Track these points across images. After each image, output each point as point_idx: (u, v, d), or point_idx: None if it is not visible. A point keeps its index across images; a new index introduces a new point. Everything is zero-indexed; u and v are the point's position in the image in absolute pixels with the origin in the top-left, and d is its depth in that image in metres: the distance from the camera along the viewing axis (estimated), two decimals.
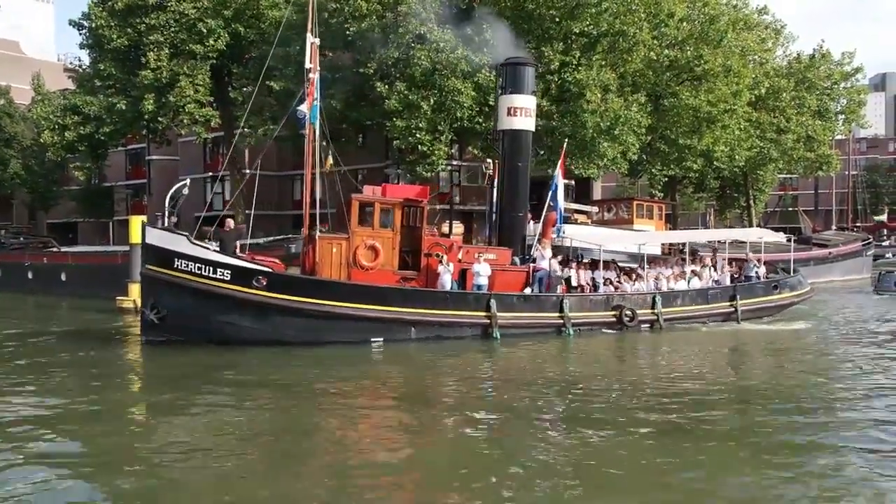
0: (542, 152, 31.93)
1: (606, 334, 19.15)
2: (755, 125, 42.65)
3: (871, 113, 74.19)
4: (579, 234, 24.51)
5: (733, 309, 21.47)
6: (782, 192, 76.77)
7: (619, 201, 36.05)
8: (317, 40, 18.87)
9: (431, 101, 28.95)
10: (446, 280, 18.40)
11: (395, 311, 17.30)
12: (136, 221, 18.75)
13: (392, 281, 18.16)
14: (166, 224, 16.81)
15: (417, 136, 29.25)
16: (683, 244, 27.85)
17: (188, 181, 17.95)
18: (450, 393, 12.73)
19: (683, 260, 23.79)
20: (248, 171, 39.21)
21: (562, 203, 22.24)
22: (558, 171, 22.22)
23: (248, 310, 16.57)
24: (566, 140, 25.74)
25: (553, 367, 15.37)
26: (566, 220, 30.18)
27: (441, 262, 18.38)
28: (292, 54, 31.46)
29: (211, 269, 16.47)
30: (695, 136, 37.07)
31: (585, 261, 22.78)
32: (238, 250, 17.91)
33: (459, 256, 19.27)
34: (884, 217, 77.54)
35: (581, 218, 32.01)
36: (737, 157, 40.42)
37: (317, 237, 17.93)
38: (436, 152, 30.42)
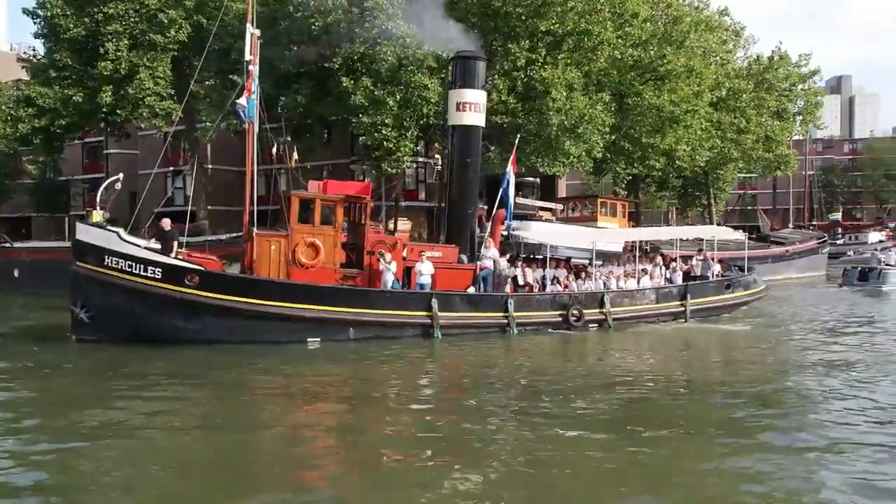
0: (509, 151, 30.77)
1: (552, 334, 18.59)
2: (716, 125, 42.38)
3: (827, 115, 73.91)
4: (543, 231, 24.14)
5: (683, 308, 20.91)
6: (742, 192, 76.68)
7: (583, 199, 35.55)
8: (256, 31, 17.73)
9: (397, 96, 28.31)
10: (389, 279, 17.60)
11: (332, 311, 16.43)
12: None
13: (333, 279, 17.29)
14: (93, 220, 16.05)
15: (383, 132, 28.51)
16: (646, 242, 27.28)
17: (121, 176, 16.76)
18: (386, 392, 12.27)
19: (637, 258, 23.04)
20: (210, 165, 37.94)
21: (512, 199, 21.39)
22: (510, 167, 21.34)
23: (180, 309, 15.57)
24: (518, 136, 25.01)
25: (494, 365, 14.90)
26: (530, 218, 29.70)
27: (382, 260, 17.55)
28: None
29: (141, 266, 15.55)
30: (658, 135, 36.67)
31: (540, 257, 21.96)
32: (177, 249, 16.75)
33: (404, 255, 18.48)
34: (838, 216, 77.52)
35: (546, 215, 31.70)
36: (698, 156, 40.07)
37: (254, 234, 17.02)
38: (402, 148, 29.64)
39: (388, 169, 30.66)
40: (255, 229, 17.02)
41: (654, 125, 36.43)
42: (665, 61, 34.72)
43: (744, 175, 62.26)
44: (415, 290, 17.95)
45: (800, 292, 34.37)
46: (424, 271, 17.98)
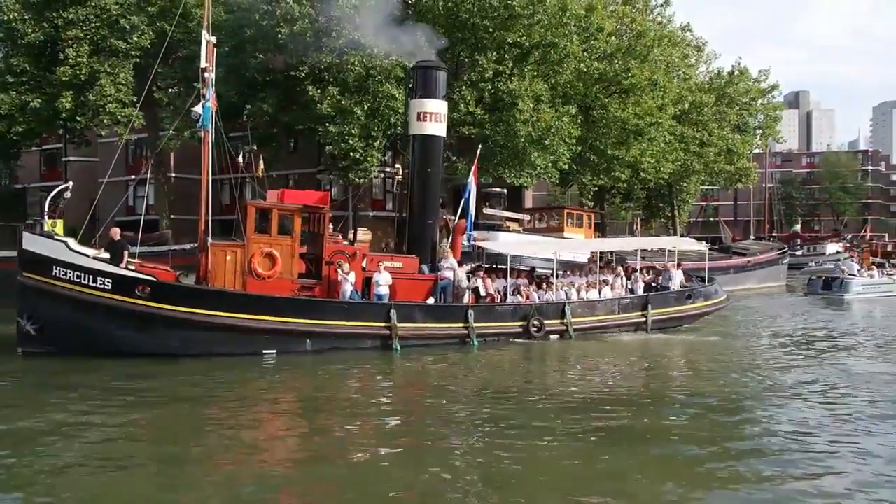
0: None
1: (513, 345, 18.39)
2: (679, 138, 42.68)
3: (786, 128, 75.34)
4: (505, 242, 23.95)
5: (644, 319, 20.83)
6: (704, 203, 77.57)
7: (549, 210, 35.18)
8: (212, 38, 17.34)
9: (365, 106, 28.07)
10: (347, 289, 17.20)
11: (288, 322, 16.02)
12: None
13: (291, 290, 16.92)
14: (44, 229, 15.34)
15: (350, 141, 28.18)
16: (611, 252, 27.44)
17: (70, 184, 16.07)
18: (342, 406, 11.93)
19: (602, 269, 23.00)
20: (173, 174, 37.08)
21: (473, 210, 21.22)
22: (471, 178, 21.10)
23: (131, 321, 15.00)
24: (480, 146, 24.82)
25: (454, 376, 14.68)
26: (497, 228, 29.44)
27: (341, 270, 17.16)
28: (220, 55, 29.35)
29: (90, 277, 14.91)
30: (623, 147, 36.76)
31: (503, 267, 21.71)
32: (127, 258, 16.17)
33: (363, 265, 18.12)
34: (798, 227, 78.70)
35: (513, 226, 31.14)
36: (662, 168, 40.27)
37: (209, 244, 16.57)
38: (369, 158, 29.42)
39: (356, 179, 30.30)
40: (209, 239, 16.58)
41: (619, 137, 36.50)
42: (629, 75, 34.95)
43: (706, 187, 63.06)
44: (374, 300, 17.65)
45: (763, 302, 34.61)
46: (381, 282, 17.66)
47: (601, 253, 28.29)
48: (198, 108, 16.82)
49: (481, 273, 19.87)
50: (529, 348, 18.22)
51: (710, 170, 47.08)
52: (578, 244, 27.40)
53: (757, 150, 60.29)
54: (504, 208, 36.95)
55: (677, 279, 22.74)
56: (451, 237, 20.55)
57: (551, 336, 19.24)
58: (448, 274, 18.77)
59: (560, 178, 36.81)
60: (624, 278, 22.24)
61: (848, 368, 15.33)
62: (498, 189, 35.59)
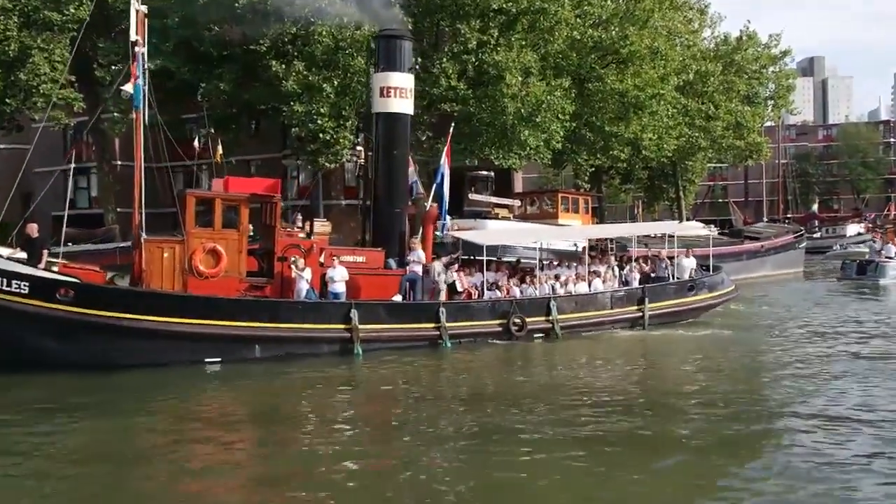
0: (461, 144, 30.89)
1: (492, 346, 18.37)
2: (683, 112, 42.46)
3: (800, 99, 74.95)
4: (487, 231, 23.95)
5: (641, 314, 20.76)
6: (712, 183, 77.27)
7: (542, 194, 35.25)
8: (143, 7, 16.71)
9: (335, 82, 27.74)
10: (302, 288, 16.89)
11: (235, 327, 15.67)
12: None
13: (238, 290, 16.59)
14: None
15: (319, 122, 27.87)
16: (611, 240, 27.11)
17: None
18: (301, 419, 11.83)
19: (593, 258, 22.74)
20: (119, 162, 36.27)
21: (447, 195, 20.96)
22: (444, 159, 20.81)
23: (52, 329, 14.42)
24: (453, 125, 24.60)
25: (423, 383, 14.56)
26: (485, 216, 29.48)
27: (294, 266, 16.87)
28: (169, 27, 28.79)
29: (4, 280, 14.21)
30: (621, 123, 36.51)
31: (491, 259, 21.47)
32: (47, 258, 15.85)
33: (321, 260, 17.79)
34: (815, 207, 78.52)
35: (502, 212, 31.00)
36: (665, 145, 40.02)
37: (142, 240, 16.10)
38: (340, 140, 29.04)
39: (326, 163, 29.88)
40: (143, 234, 16.10)
41: (617, 112, 36.26)
42: (627, 42, 34.58)
43: (714, 165, 63.00)
44: (331, 298, 17.40)
45: (779, 290, 34.31)
46: (336, 278, 17.38)
47: (598, 241, 28.20)
48: (128, 87, 16.15)
49: (456, 266, 19.56)
50: (509, 350, 18.06)
51: (718, 146, 46.83)
52: (573, 231, 27.08)
53: (769, 123, 60.06)
54: (491, 193, 36.57)
55: (688, 268, 22.51)
56: (422, 226, 20.31)
57: (535, 336, 19.07)
58: (416, 268, 18.47)
59: (553, 158, 36.50)
60: (616, 269, 21.99)
61: (886, 368, 14.91)
62: (484, 172, 35.26)
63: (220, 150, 27.95)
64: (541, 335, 19.22)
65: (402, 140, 20.39)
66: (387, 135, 20.22)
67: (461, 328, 18.22)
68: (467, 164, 35.39)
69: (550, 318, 19.19)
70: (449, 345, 17.70)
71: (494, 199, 33.39)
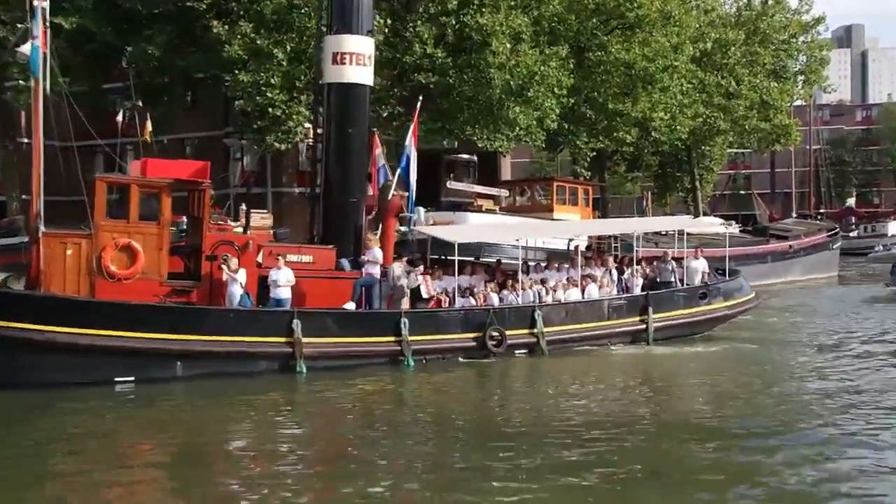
0: (438, 122, 31.43)
1: (463, 364, 18.33)
2: (700, 88, 42.92)
3: (835, 74, 75.47)
4: (476, 227, 24.16)
5: (645, 326, 20.82)
6: (733, 172, 77.69)
7: (534, 182, 35.13)
8: None
9: (287, 47, 27.83)
10: (235, 293, 16.78)
11: (152, 340, 15.61)
12: None
13: (158, 295, 16.55)
14: None
15: (268, 94, 27.92)
16: (616, 237, 27.37)
17: None
18: (231, 453, 11.70)
19: (588, 259, 22.64)
20: (25, 139, 35.82)
21: (414, 182, 20.88)
22: (409, 139, 20.61)
23: None
24: (421, 98, 24.47)
25: (377, 410, 14.50)
26: (466, 208, 29.39)
27: (227, 267, 16.79)
28: None
29: None
30: (628, 99, 36.80)
31: (474, 260, 21.88)
32: None
33: (259, 260, 17.73)
34: (852, 201, 79.17)
35: (486, 204, 30.72)
36: (679, 126, 40.43)
37: (40, 234, 15.72)
38: (293, 117, 29.17)
39: (276, 144, 29.82)
40: (41, 226, 15.70)
41: (622, 87, 36.43)
42: (635, 5, 34.91)
43: (735, 151, 63.59)
44: (271, 306, 17.33)
45: (811, 297, 34.62)
46: (280, 281, 17.27)
47: (599, 239, 28.15)
48: (24, 49, 15.81)
49: (421, 269, 19.47)
50: (485, 369, 18.03)
51: (740, 128, 47.15)
52: (569, 227, 27.01)
53: (799, 103, 60.97)
54: (474, 181, 36.57)
55: (698, 271, 22.49)
56: (380, 221, 20.26)
57: (516, 352, 19.16)
58: (373, 269, 18.40)
59: (547, 140, 36.68)
60: (614, 272, 21.98)
61: None
62: (466, 156, 35.10)
63: (148, 126, 27.81)
64: (523, 351, 19.25)
65: (359, 116, 20.25)
66: (340, 109, 20.09)
67: (426, 343, 18.19)
68: (445, 146, 35.30)
69: (535, 330, 19.18)
70: (411, 363, 17.65)
71: (477, 188, 32.92)
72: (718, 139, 48.36)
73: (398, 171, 20.42)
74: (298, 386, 16.17)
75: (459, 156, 42.88)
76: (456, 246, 19.84)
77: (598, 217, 37.25)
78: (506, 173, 47.81)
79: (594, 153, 42.12)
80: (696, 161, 51.13)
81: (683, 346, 20.81)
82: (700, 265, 22.68)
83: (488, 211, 29.69)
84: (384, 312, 18.24)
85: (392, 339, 17.69)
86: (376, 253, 18.53)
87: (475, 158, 43.78)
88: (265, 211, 21.40)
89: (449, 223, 25.51)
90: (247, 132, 31.77)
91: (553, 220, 29.45)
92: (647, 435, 12.14)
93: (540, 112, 31.50)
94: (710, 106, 44.10)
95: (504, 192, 32.99)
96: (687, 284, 22.28)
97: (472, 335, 18.59)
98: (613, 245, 27.65)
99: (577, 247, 22.74)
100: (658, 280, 22.27)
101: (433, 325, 18.50)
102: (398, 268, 18.66)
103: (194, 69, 30.66)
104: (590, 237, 27.82)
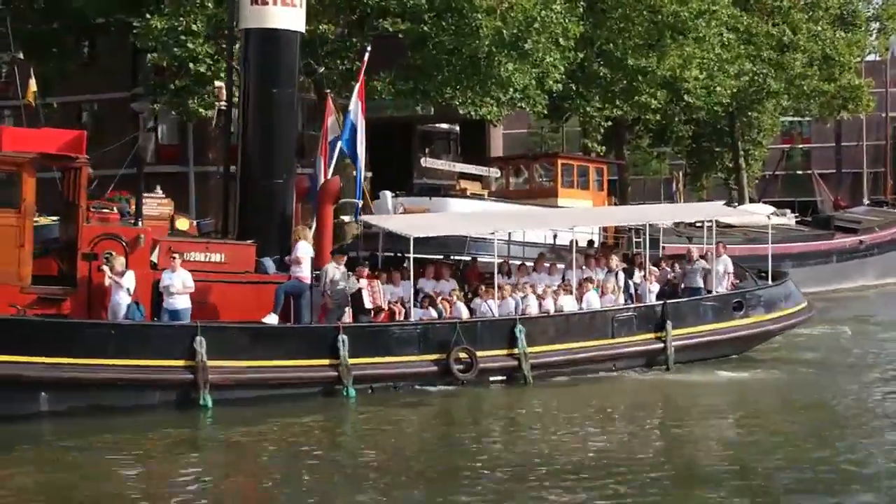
0: (409, 82, 31.57)
1: (421, 395, 18.23)
2: (746, 38, 42.91)
3: None
4: (446, 217, 24.69)
5: (662, 344, 20.71)
6: (787, 147, 77.60)
7: (533, 160, 35.28)
8: None
9: None
10: (121, 302, 16.81)
11: (5, 365, 15.37)
12: None
13: (17, 305, 16.33)
14: None
15: (189, 44, 28.27)
16: (633, 229, 27.53)
17: None
18: None
19: (588, 259, 22.88)
20: None
21: (362, 158, 20.90)
22: (355, 101, 20.42)
23: None
24: (369, 50, 23.55)
25: (303, 460, 14.02)
26: (445, 192, 30.12)
27: (109, 269, 16.78)
28: None
29: None
30: (653, 53, 36.98)
31: (431, 258, 22.11)
32: None
33: (153, 259, 17.81)
34: None
35: (471, 187, 31.20)
36: (718, 87, 40.35)
37: None
38: (222, 74, 28.23)
39: (202, 110, 29.93)
40: None
41: (646, 37, 36.67)
42: None
43: (790, 119, 64.29)
44: (166, 320, 17.27)
45: (884, 309, 34.35)
46: (175, 286, 17.22)
47: (617, 233, 28.37)
48: None
49: (365, 271, 19.59)
50: (449, 402, 17.91)
51: (797, 90, 47.20)
52: (576, 216, 27.15)
53: (871, 58, 61.69)
54: (456, 158, 36.78)
55: (719, 271, 22.51)
56: (316, 209, 20.26)
57: (492, 379, 19.17)
58: (302, 272, 18.28)
59: (550, 106, 36.71)
60: (621, 275, 21.97)
61: None
62: (445, 126, 35.47)
63: (32, 86, 27.42)
64: (500, 378, 19.24)
65: (287, 72, 20.28)
66: (261, 63, 20.16)
67: (373, 367, 18.15)
68: (420, 112, 35.83)
69: (516, 351, 19.16)
70: (353, 393, 17.56)
71: (460, 167, 33.80)
72: (769, 104, 48.34)
73: (339, 143, 20.39)
74: (201, 424, 16.03)
75: (437, 125, 43.33)
76: (411, 241, 19.88)
77: (616, 204, 37.34)
78: (496, 148, 48.01)
79: (610, 123, 42.02)
80: (740, 133, 51.04)
81: (713, 373, 20.80)
82: (721, 264, 22.61)
83: (474, 196, 29.84)
84: (317, 328, 18.20)
85: (327, 362, 17.64)
86: (304, 249, 18.43)
87: (457, 129, 44.02)
88: (162, 195, 21.15)
89: (423, 212, 26.04)
90: (162, 94, 31.70)
91: (557, 207, 29.71)
92: (663, 497, 11.77)
93: (540, 70, 31.64)
94: (759, 61, 44.02)
95: (494, 172, 33.36)
96: (709, 291, 22.31)
97: (432, 357, 18.57)
98: (635, 240, 27.82)
99: (572, 241, 22.97)
100: (682, 286, 22.33)
101: (381, 345, 18.43)
102: (335, 269, 18.57)
103: (92, 12, 30.74)
104: (602, 230, 28.12)
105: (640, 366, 20.84)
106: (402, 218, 23.34)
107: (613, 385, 19.85)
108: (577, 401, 18.44)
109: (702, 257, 22.66)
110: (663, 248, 27.26)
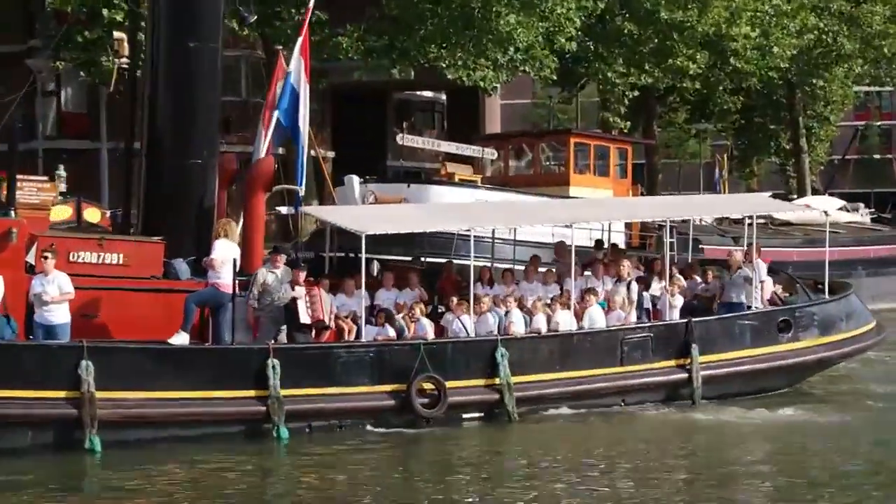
0: (384, 38, 32.00)
1: (374, 437, 18.11)
2: None
3: None
4: (425, 210, 24.37)
5: (687, 374, 20.52)
6: (862, 123, 77.44)
7: (539, 138, 35.16)
8: None
9: None
10: None
11: None
12: None
13: None
14: None
15: None
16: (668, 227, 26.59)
17: None
18: None
19: (590, 264, 22.53)
20: None
21: (305, 135, 20.72)
22: (295, 59, 20.32)
23: None
24: None
25: None
26: (429, 179, 31.24)
27: None
28: None
29: None
30: (692, 4, 37.27)
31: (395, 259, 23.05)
32: None
33: (29, 260, 17.60)
34: None
35: (460, 171, 31.38)
36: (775, 49, 40.53)
37: None
38: (143, 24, 28.49)
39: (109, 66, 29.52)
40: None
41: None
42: None
43: (866, 90, 64.14)
44: (39, 337, 17.09)
45: None
46: (49, 294, 17.02)
47: (643, 231, 28.51)
48: None
49: (302, 275, 19.37)
50: (410, 448, 17.93)
51: (875, 52, 47.33)
52: (591, 210, 26.56)
53: None
54: (442, 135, 36.54)
55: (757, 278, 22.03)
56: (243, 192, 20.28)
57: (466, 416, 19.25)
58: (220, 277, 18.07)
59: (561, 70, 36.92)
60: (634, 286, 21.71)
61: None
62: (428, 95, 35.20)
63: None
64: (476, 415, 19.22)
65: (209, 21, 20.21)
66: (175, 9, 20.05)
67: (311, 400, 18.15)
68: (397, 76, 35.75)
69: (498, 380, 18.98)
70: (285, 434, 17.40)
71: (446, 146, 34.02)
72: (839, 70, 48.31)
73: (275, 114, 20.28)
74: (86, 473, 15.90)
75: (418, 94, 43.33)
76: (363, 240, 19.64)
77: (643, 194, 37.32)
78: (493, 123, 48.34)
79: (636, 92, 42.04)
80: (801, 106, 51.08)
81: (751, 411, 20.40)
82: (758, 271, 22.18)
83: (464, 182, 30.12)
84: (239, 349, 18.18)
85: (252, 393, 17.56)
86: (220, 249, 18.22)
87: (443, 98, 44.19)
88: (43, 178, 21.04)
89: (399, 202, 26.24)
90: (65, 49, 31.79)
91: (569, 197, 29.73)
92: None
93: (549, 24, 31.90)
94: (827, 16, 44.14)
95: (490, 154, 33.41)
96: (749, 307, 21.86)
97: (389, 388, 18.51)
98: (668, 241, 27.43)
99: (560, 242, 22.91)
100: (719, 301, 21.99)
101: (324, 372, 18.30)
102: (267, 274, 18.58)
103: None
104: (627, 228, 28.24)
105: (658, 400, 20.71)
106: (351, 210, 23.25)
107: (622, 426, 19.65)
108: (575, 446, 18.13)
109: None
110: (702, 250, 27.28)
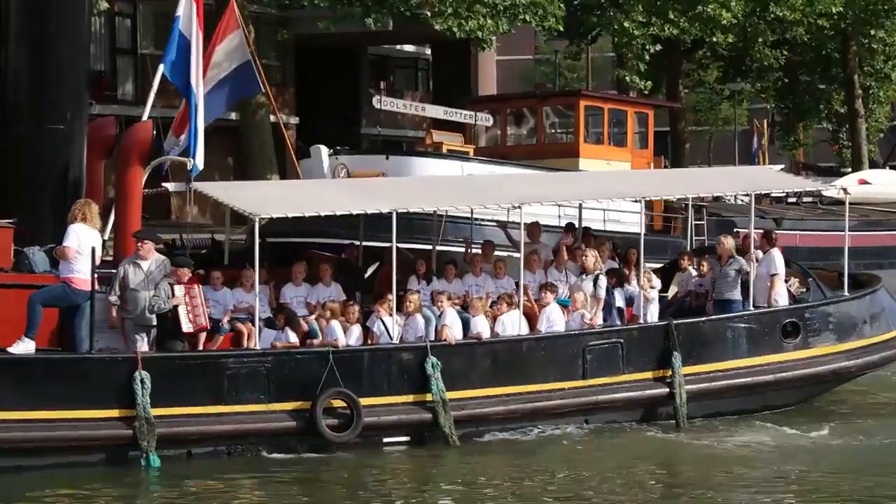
0: None
1: (271, 467, 17.85)
2: None
3: None
4: (395, 186, 24.26)
5: (669, 389, 20.30)
6: None
7: (542, 101, 35.39)
8: None
9: None
10: None
11: None
12: None
13: None
14: None
15: None
16: (689, 202, 27.61)
17: None
18: None
19: (556, 253, 22.40)
20: None
21: (200, 93, 20.41)
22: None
23: None
24: None
25: None
26: (412, 151, 32.17)
27: None
28: None
29: None
30: None
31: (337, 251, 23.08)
32: None
33: None
34: None
35: (448, 141, 31.95)
36: None
37: None
38: None
39: None
40: None
41: None
42: None
43: None
44: None
45: None
46: None
47: (667, 210, 29.39)
48: None
49: (186, 273, 18.85)
50: (314, 482, 17.54)
51: None
52: (603, 184, 26.15)
53: None
54: (426, 97, 36.46)
55: (762, 274, 21.92)
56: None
57: (387, 440, 19.11)
58: (73, 271, 17.52)
59: (567, 21, 37.29)
60: (603, 279, 21.14)
61: None
62: (410, 49, 34.47)
63: None
64: (402, 439, 19.01)
65: None
66: None
67: (192, 421, 17.99)
68: (373, 27, 36.37)
69: (430, 397, 18.72)
70: (156, 462, 17.08)
71: (432, 111, 34.26)
72: None
73: (160, 67, 20.17)
74: None
75: (398, 48, 43.48)
76: (257, 223, 19.11)
77: (667, 167, 37.64)
78: (488, 83, 50.38)
79: (658, 45, 42.02)
80: (856, 62, 50.94)
81: (749, 435, 20.12)
82: (772, 262, 21.72)
83: (453, 153, 30.38)
84: (99, 359, 17.74)
85: (116, 413, 17.23)
86: (72, 236, 17.68)
87: (428, 53, 44.99)
88: None
89: (377, 175, 26.30)
90: None
91: (577, 171, 29.69)
92: None
93: None
94: None
95: (484, 119, 33.68)
96: (758, 306, 21.61)
97: (289, 406, 18.29)
98: (695, 221, 27.95)
99: (535, 223, 22.51)
100: (713, 295, 21.47)
101: (206, 386, 17.94)
102: (128, 267, 18.18)
103: None
104: (646, 208, 27.82)
105: (632, 420, 20.40)
106: (254, 188, 23.42)
107: (586, 452, 19.07)
108: (526, 476, 17.48)
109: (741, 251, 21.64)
110: (737, 234, 26.46)
